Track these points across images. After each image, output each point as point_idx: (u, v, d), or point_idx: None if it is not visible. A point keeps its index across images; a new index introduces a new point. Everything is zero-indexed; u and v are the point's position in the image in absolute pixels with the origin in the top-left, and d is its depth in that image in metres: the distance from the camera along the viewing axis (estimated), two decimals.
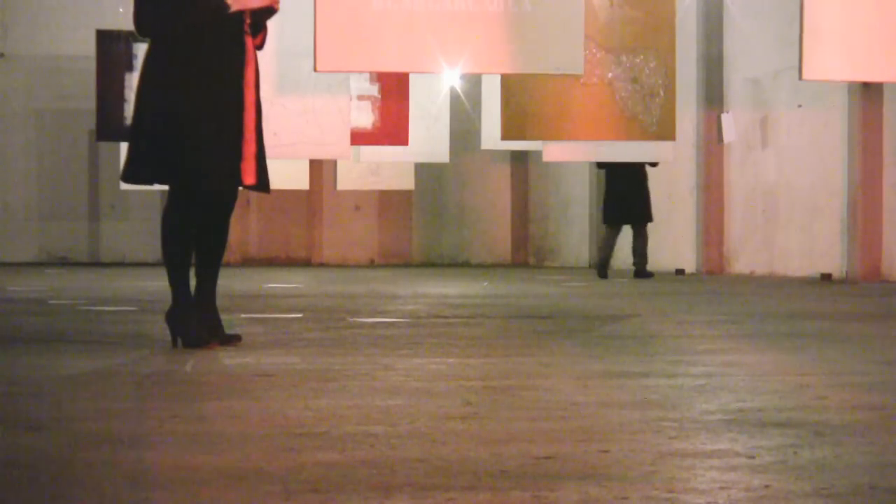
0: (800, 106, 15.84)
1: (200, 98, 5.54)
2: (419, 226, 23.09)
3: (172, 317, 5.69)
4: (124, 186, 19.82)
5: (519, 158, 23.21)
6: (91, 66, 15.09)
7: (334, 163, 20.42)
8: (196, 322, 5.66)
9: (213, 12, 5.58)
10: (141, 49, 14.80)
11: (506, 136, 14.07)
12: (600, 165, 16.46)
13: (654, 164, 15.98)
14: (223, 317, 8.05)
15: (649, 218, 15.93)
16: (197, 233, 5.70)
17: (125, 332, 6.82)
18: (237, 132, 5.57)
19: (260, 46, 5.85)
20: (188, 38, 5.55)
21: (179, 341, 5.61)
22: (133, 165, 5.65)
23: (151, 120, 5.55)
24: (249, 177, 5.63)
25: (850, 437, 3.21)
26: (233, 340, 5.69)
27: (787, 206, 16.26)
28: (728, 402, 3.91)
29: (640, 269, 15.82)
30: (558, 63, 11.39)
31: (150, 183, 5.73)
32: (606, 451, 2.99)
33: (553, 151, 15.88)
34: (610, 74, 13.32)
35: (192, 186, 5.61)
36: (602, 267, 16.02)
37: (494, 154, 21.81)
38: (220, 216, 5.71)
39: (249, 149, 5.60)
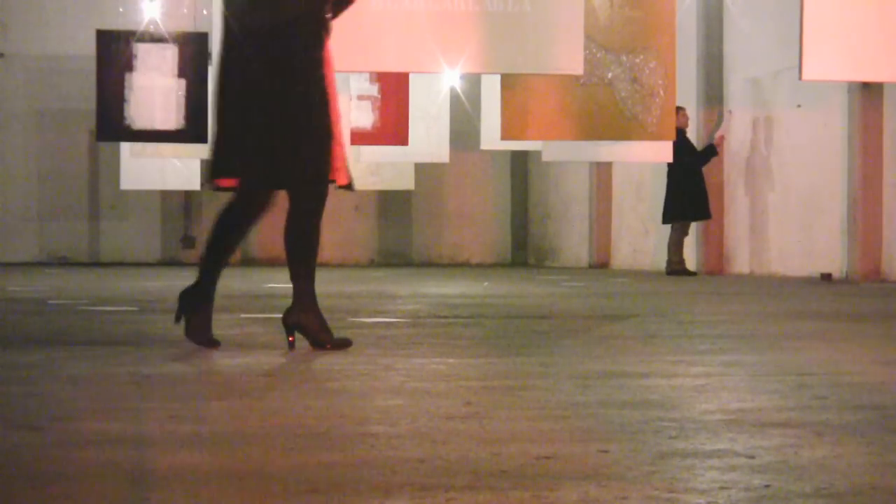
0: (799, 106, 15.84)
1: (287, 96, 5.47)
2: (419, 226, 23.09)
3: (187, 296, 5.67)
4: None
5: (519, 158, 23.22)
6: (91, 66, 15.10)
7: None
8: (206, 319, 5.61)
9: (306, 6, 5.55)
10: (141, 49, 14.81)
11: (506, 136, 14.08)
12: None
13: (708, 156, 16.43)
14: (223, 316, 8.05)
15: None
16: (286, 236, 5.64)
17: (125, 332, 6.82)
18: (325, 131, 5.51)
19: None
20: (273, 35, 5.48)
21: (184, 326, 5.59)
22: (219, 162, 5.57)
23: (234, 117, 5.48)
24: (343, 177, 5.59)
25: (850, 437, 3.21)
26: (344, 345, 5.54)
27: (787, 206, 16.26)
28: (728, 402, 3.91)
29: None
30: (558, 63, 11.39)
31: (235, 177, 5.60)
32: (606, 451, 2.99)
33: (553, 151, 15.89)
34: (610, 74, 13.32)
35: (278, 185, 5.57)
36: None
37: (494, 154, 21.83)
38: (305, 216, 5.61)
39: (339, 149, 5.55)
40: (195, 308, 5.67)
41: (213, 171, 5.63)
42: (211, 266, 5.74)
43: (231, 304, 9.79)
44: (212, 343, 5.62)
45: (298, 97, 5.48)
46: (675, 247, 16.62)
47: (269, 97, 5.46)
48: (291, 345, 5.53)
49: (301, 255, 5.64)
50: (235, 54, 5.53)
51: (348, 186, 5.67)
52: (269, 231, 23.17)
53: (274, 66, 5.46)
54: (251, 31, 5.50)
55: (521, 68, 11.53)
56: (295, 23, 5.48)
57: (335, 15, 5.64)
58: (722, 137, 17.07)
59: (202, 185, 20.81)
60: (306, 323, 5.54)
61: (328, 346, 5.50)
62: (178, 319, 5.66)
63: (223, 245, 5.72)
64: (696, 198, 16.46)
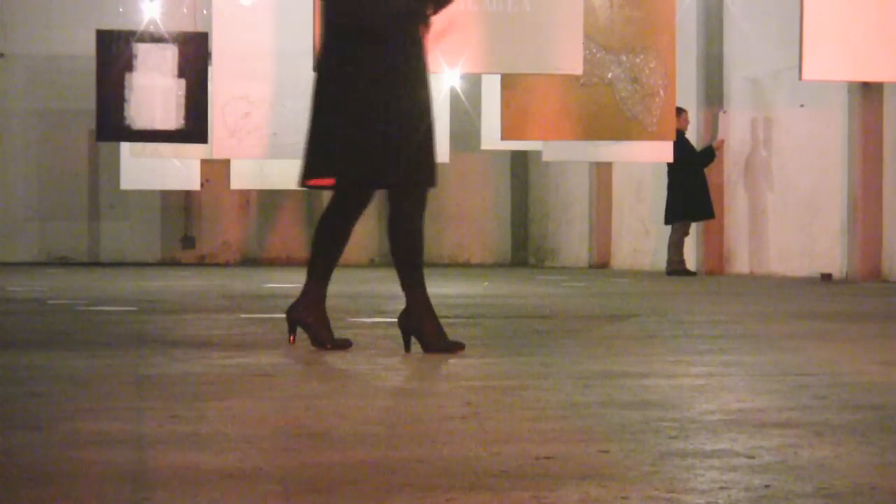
0: (802, 106, 15.83)
1: (393, 95, 5.43)
2: None
3: (296, 310, 5.59)
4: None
5: (519, 158, 23.22)
6: (91, 66, 15.09)
7: None
8: (325, 322, 5.56)
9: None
10: (141, 49, 14.81)
11: (506, 136, 14.07)
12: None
13: (707, 159, 16.44)
14: (222, 317, 8.05)
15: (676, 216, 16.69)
16: (393, 240, 5.59)
17: (125, 332, 6.82)
18: (428, 130, 5.49)
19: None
20: (378, 33, 5.47)
21: (411, 347, 5.50)
22: (316, 161, 5.54)
23: (336, 117, 5.44)
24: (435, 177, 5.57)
25: (850, 437, 3.21)
26: (455, 348, 5.48)
27: (786, 206, 16.25)
28: (728, 402, 3.91)
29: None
30: (558, 63, 11.39)
31: (333, 177, 5.55)
32: (606, 451, 2.99)
33: (553, 151, 15.89)
34: (610, 74, 13.32)
35: (383, 185, 5.54)
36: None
37: (494, 154, 21.82)
38: (411, 217, 5.58)
39: (434, 147, 5.53)
40: (309, 317, 5.57)
41: (310, 170, 5.56)
42: (320, 271, 5.62)
43: (231, 304, 9.79)
44: (342, 344, 5.53)
45: (404, 96, 5.46)
46: (676, 247, 16.62)
47: (374, 96, 5.42)
48: (406, 348, 5.48)
49: (411, 257, 5.56)
50: (338, 53, 5.48)
51: (433, 185, 5.62)
52: (269, 231, 23.19)
53: (379, 65, 5.43)
54: (356, 29, 5.47)
55: (521, 68, 11.53)
56: (400, 20, 5.46)
57: (435, 12, 5.63)
58: (722, 141, 17.07)
59: (202, 185, 20.84)
60: (421, 328, 5.47)
61: (441, 350, 5.43)
62: (407, 348, 5.50)
63: (330, 249, 5.64)
64: (698, 198, 16.47)
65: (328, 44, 5.55)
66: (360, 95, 5.43)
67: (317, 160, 5.54)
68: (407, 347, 5.49)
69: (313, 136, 5.55)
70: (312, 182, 5.59)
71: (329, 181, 5.57)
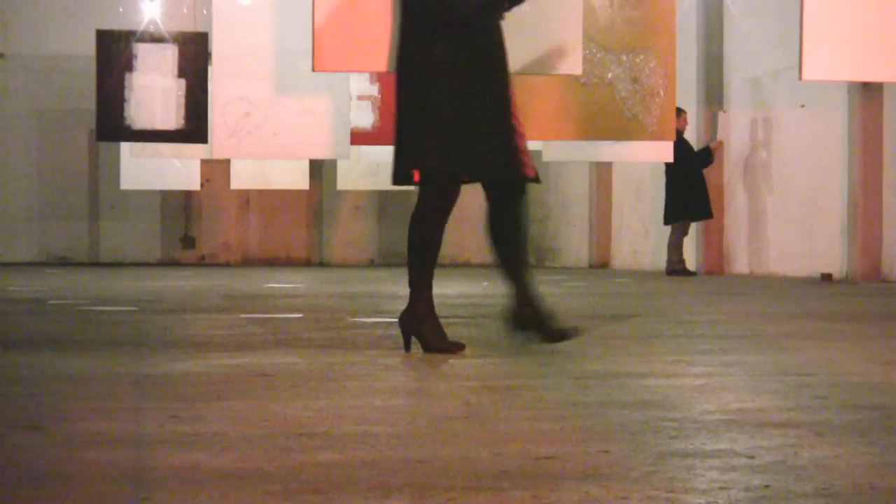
0: (803, 106, 15.83)
1: (479, 89, 5.42)
2: None
3: (408, 318, 5.52)
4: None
5: None
6: (91, 66, 15.09)
7: (334, 163, 20.44)
8: (437, 326, 5.50)
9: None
10: (141, 49, 14.81)
11: None
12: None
13: (706, 161, 16.41)
14: (222, 317, 8.05)
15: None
16: (492, 235, 5.55)
17: (125, 332, 6.82)
18: (514, 123, 5.47)
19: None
20: (469, 28, 5.46)
21: (411, 347, 5.48)
22: (405, 157, 5.51)
23: (428, 112, 5.42)
24: (532, 170, 5.56)
25: (850, 437, 3.21)
26: (569, 334, 5.50)
27: (787, 206, 16.25)
28: (728, 402, 3.91)
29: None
30: (558, 63, 11.39)
31: (418, 169, 5.51)
32: (606, 451, 2.99)
33: (553, 151, 15.89)
34: (610, 74, 13.32)
35: (477, 178, 5.51)
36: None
37: None
38: (509, 211, 5.54)
39: (523, 142, 5.53)
40: (421, 324, 5.49)
41: (405, 164, 5.53)
42: (422, 275, 5.58)
43: (231, 304, 9.79)
44: (455, 347, 5.46)
45: (495, 89, 5.44)
46: (675, 247, 16.62)
47: (461, 89, 5.39)
48: (517, 340, 5.50)
49: (513, 251, 5.54)
50: (422, 47, 5.46)
51: (536, 179, 5.59)
52: (269, 231, 23.19)
53: (465, 58, 5.42)
54: (442, 22, 5.45)
55: (521, 68, 11.52)
56: (485, 11, 5.46)
57: (509, 8, 5.63)
58: (720, 142, 17.06)
59: (202, 185, 20.84)
60: (529, 318, 5.48)
61: (554, 339, 5.45)
62: (408, 348, 5.49)
63: (427, 248, 5.60)
64: (697, 198, 16.46)
65: (411, 38, 5.51)
66: (446, 88, 5.41)
67: (406, 155, 5.53)
68: (407, 347, 5.49)
69: (400, 132, 5.53)
70: (404, 178, 5.58)
71: (416, 178, 5.55)
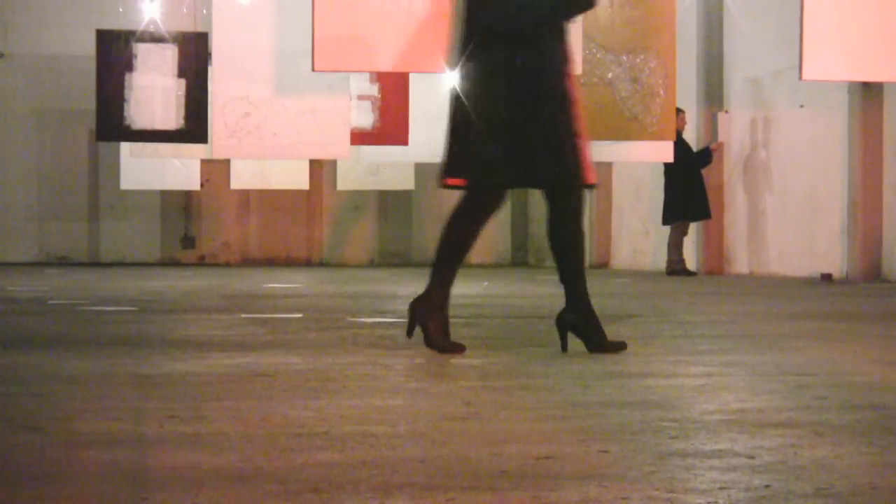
0: (802, 106, 15.84)
1: (541, 94, 5.42)
2: (419, 226, 23.08)
3: (418, 306, 5.53)
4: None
5: None
6: (91, 66, 15.09)
7: (334, 163, 20.44)
8: (444, 325, 5.50)
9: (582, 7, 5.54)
10: (141, 49, 14.81)
11: None
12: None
13: (703, 162, 16.40)
14: (222, 317, 8.05)
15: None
16: (553, 240, 5.54)
17: (125, 332, 6.82)
18: (574, 128, 5.50)
19: None
20: (524, 35, 5.44)
21: (416, 334, 5.48)
22: (453, 162, 5.53)
23: (474, 117, 5.42)
24: (592, 175, 5.56)
25: (850, 437, 3.21)
26: (614, 348, 5.47)
27: (787, 206, 16.25)
28: (728, 402, 3.91)
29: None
30: None
31: (466, 177, 5.54)
32: (606, 451, 2.99)
33: None
34: (610, 74, 13.32)
35: (534, 184, 5.52)
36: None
37: None
38: (572, 216, 5.53)
39: (584, 146, 5.52)
40: (430, 317, 5.52)
41: (447, 169, 5.55)
42: (445, 271, 5.57)
43: (231, 304, 9.80)
44: (456, 348, 5.47)
45: (551, 95, 5.45)
46: (675, 247, 16.62)
47: (523, 96, 5.40)
48: (564, 347, 5.48)
49: (574, 256, 5.52)
50: (483, 56, 5.46)
51: (592, 185, 5.58)
52: (269, 231, 23.20)
53: (527, 65, 5.43)
54: (501, 29, 5.45)
55: None
56: (545, 19, 5.46)
57: (575, 14, 5.64)
58: (720, 144, 17.05)
59: (202, 185, 20.85)
60: (579, 325, 5.48)
61: (604, 350, 5.43)
62: (410, 333, 5.52)
63: (458, 248, 5.60)
64: (695, 198, 16.46)
65: (468, 43, 5.52)
66: (500, 95, 5.42)
67: (453, 160, 5.54)
68: (564, 348, 5.48)
69: (451, 136, 5.54)
70: (450, 182, 5.58)
71: (463, 181, 5.56)
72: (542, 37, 5.48)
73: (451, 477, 2.68)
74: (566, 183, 5.49)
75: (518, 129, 5.42)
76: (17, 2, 21.78)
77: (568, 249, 5.53)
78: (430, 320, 5.50)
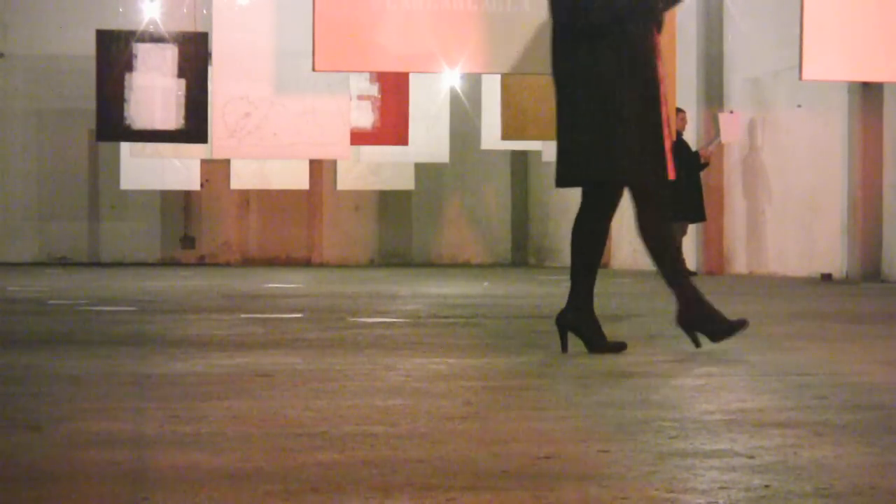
0: (799, 106, 15.83)
1: (637, 92, 5.45)
2: (419, 226, 23.09)
3: (566, 318, 5.52)
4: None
5: (519, 158, 23.21)
6: (91, 66, 15.10)
7: (334, 163, 20.45)
8: (594, 326, 5.50)
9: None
10: (141, 49, 14.81)
11: (506, 136, 14.07)
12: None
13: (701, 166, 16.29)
14: (222, 317, 8.05)
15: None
16: (647, 239, 5.52)
17: (125, 332, 6.82)
18: (660, 127, 5.50)
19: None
20: (622, 31, 5.45)
21: (567, 346, 5.46)
22: (565, 164, 5.59)
23: (576, 117, 5.46)
24: (672, 171, 5.57)
25: (850, 437, 3.21)
26: (734, 328, 5.49)
27: (787, 206, 16.25)
28: (728, 402, 3.91)
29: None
30: None
31: (583, 184, 5.59)
32: (606, 451, 2.99)
33: (553, 151, 15.88)
34: None
35: (626, 184, 5.52)
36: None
37: (494, 154, 21.82)
38: (660, 212, 5.54)
39: (668, 144, 5.53)
40: (582, 324, 5.50)
41: (567, 171, 5.63)
42: (584, 277, 5.57)
43: (231, 304, 9.80)
44: (617, 347, 5.46)
45: (647, 94, 5.46)
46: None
47: (611, 94, 5.42)
48: (696, 344, 5.48)
49: (669, 253, 5.53)
50: (573, 53, 5.48)
51: (674, 181, 5.61)
52: (269, 231, 23.20)
53: (615, 63, 5.43)
54: (592, 27, 5.45)
55: (521, 68, 11.53)
56: (632, 17, 5.47)
57: (666, 9, 5.65)
58: (720, 144, 17.02)
59: (202, 185, 20.86)
60: (700, 322, 5.47)
61: (723, 335, 5.44)
62: (564, 349, 5.48)
63: (589, 250, 5.58)
64: (693, 199, 16.43)
65: (562, 43, 5.53)
66: (597, 94, 5.42)
67: (568, 162, 5.56)
68: (695, 344, 5.48)
69: (562, 138, 5.58)
70: (573, 178, 5.63)
71: (578, 180, 5.60)
72: (645, 34, 5.50)
73: (451, 477, 2.68)
74: (658, 181, 5.50)
75: (620, 130, 5.43)
76: (17, 2, 21.78)
77: (669, 246, 5.53)
78: (583, 326, 5.48)
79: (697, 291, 5.52)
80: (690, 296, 5.50)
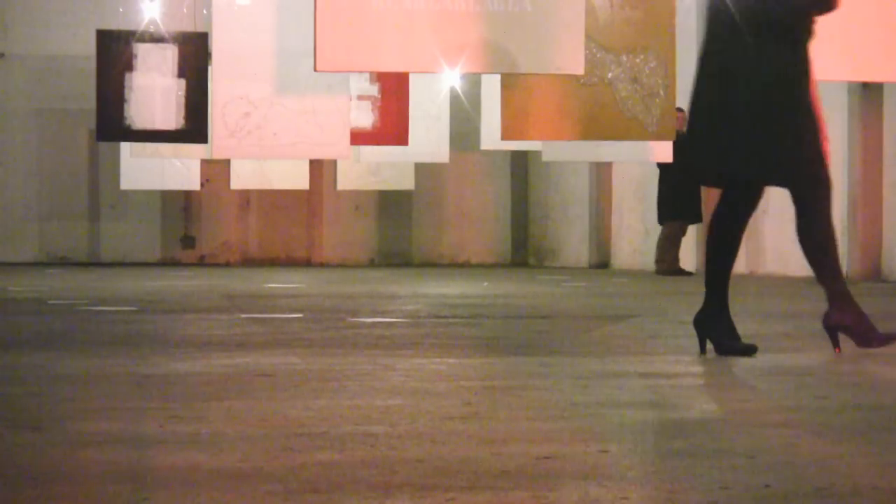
0: None
1: (778, 92, 5.50)
2: (419, 226, 23.07)
3: (705, 320, 5.49)
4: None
5: (519, 158, 23.20)
6: (91, 66, 15.07)
7: (334, 163, 20.43)
8: (727, 328, 5.46)
9: None
10: (141, 49, 14.81)
11: (506, 136, 14.03)
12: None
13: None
14: (222, 317, 8.05)
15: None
16: (805, 239, 5.55)
17: (125, 332, 6.81)
18: (812, 124, 5.46)
19: None
20: (808, 27, 5.50)
21: (707, 347, 5.41)
22: (704, 160, 5.58)
23: (722, 113, 5.48)
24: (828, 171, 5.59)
25: (850, 437, 3.21)
26: (889, 339, 5.49)
27: (786, 205, 16.22)
28: (728, 402, 3.91)
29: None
30: (558, 63, 11.38)
31: (738, 182, 5.59)
32: (606, 451, 2.99)
33: (553, 151, 15.88)
34: (610, 74, 13.31)
35: (773, 181, 5.54)
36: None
37: (494, 154, 21.81)
38: (822, 212, 5.55)
39: (825, 144, 5.54)
40: (717, 325, 5.47)
41: (706, 166, 5.64)
42: (718, 275, 5.60)
43: (231, 304, 9.80)
44: (749, 348, 5.41)
45: (793, 93, 5.50)
46: (670, 243, 16.60)
47: (767, 94, 5.46)
48: (836, 346, 5.45)
49: (829, 253, 5.52)
50: (726, 48, 5.53)
51: (827, 183, 5.63)
52: (269, 231, 23.21)
53: (804, 63, 5.45)
54: (759, 23, 5.49)
55: (521, 68, 11.52)
56: (798, 14, 5.48)
57: (818, 14, 5.67)
58: None
59: (202, 185, 20.85)
60: (849, 323, 5.46)
61: (874, 344, 5.42)
62: (703, 349, 5.43)
63: (725, 249, 5.59)
64: (692, 200, 16.42)
65: (717, 39, 5.54)
66: (749, 92, 5.43)
67: (706, 158, 5.54)
68: (836, 347, 5.46)
69: (700, 133, 5.58)
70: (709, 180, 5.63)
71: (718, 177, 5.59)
72: (803, 32, 5.53)
73: (451, 477, 2.68)
74: (810, 179, 5.49)
75: (760, 127, 5.43)
76: (17, 2, 21.77)
77: (829, 246, 5.52)
78: (716, 328, 5.44)
79: (853, 300, 5.49)
80: (846, 302, 5.47)
